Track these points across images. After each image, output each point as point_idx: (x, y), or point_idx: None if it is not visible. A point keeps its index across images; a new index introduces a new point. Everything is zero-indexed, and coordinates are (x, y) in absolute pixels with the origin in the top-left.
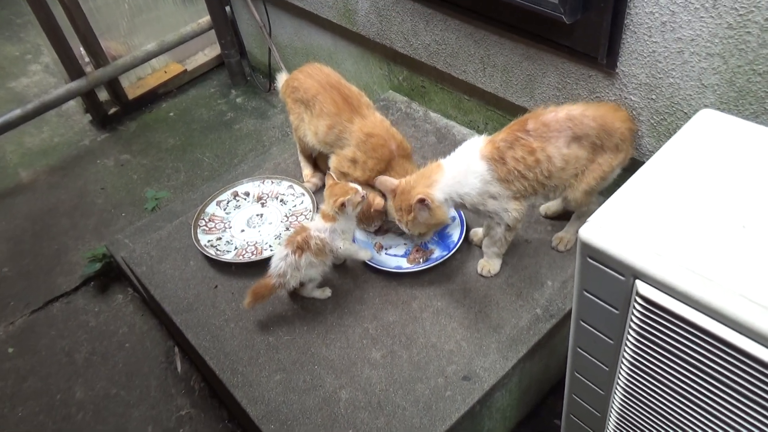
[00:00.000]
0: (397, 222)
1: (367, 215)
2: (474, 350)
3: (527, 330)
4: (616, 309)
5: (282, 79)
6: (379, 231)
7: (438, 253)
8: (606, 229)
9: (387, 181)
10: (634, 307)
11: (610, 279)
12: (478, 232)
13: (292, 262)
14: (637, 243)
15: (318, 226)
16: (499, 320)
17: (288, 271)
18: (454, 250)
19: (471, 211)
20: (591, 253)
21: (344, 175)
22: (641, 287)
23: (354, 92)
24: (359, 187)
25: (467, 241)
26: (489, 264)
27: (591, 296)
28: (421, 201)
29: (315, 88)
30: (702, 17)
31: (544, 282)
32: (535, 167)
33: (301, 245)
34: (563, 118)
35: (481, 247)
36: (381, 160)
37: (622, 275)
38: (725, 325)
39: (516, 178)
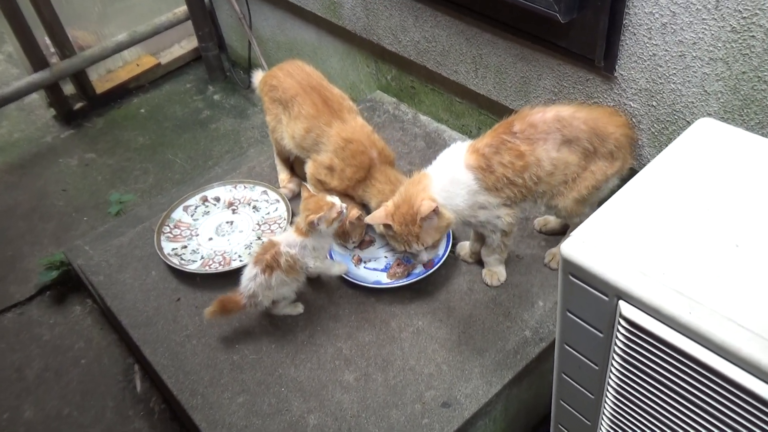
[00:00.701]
0: (405, 246)
1: (343, 229)
2: (455, 374)
3: (514, 354)
4: (600, 332)
5: (258, 76)
6: (362, 244)
7: (421, 268)
8: (589, 244)
9: (375, 215)
10: (618, 330)
11: (593, 299)
12: (465, 245)
13: (262, 283)
14: (621, 260)
15: (289, 241)
16: (483, 342)
17: (258, 292)
18: (438, 264)
19: (462, 224)
20: (573, 270)
21: (320, 183)
22: (624, 308)
23: (336, 95)
24: (337, 201)
25: (453, 254)
26: (494, 272)
27: (574, 317)
28: (433, 210)
29: (294, 88)
30: (704, 19)
31: (535, 302)
32: (524, 172)
33: (270, 263)
34: (551, 119)
35: (468, 262)
36: (360, 168)
37: (605, 295)
38: (713, 352)
39: (505, 186)
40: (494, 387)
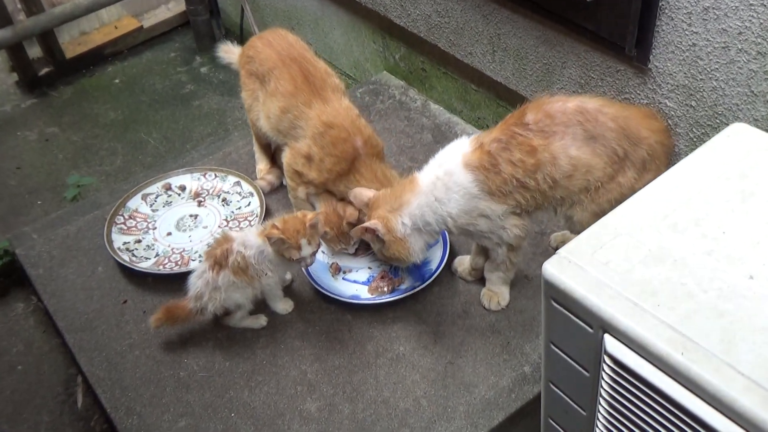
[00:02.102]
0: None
1: (340, 232)
2: (436, 412)
3: (509, 392)
4: (586, 370)
5: (227, 49)
6: (358, 251)
7: (409, 284)
8: (576, 264)
9: (361, 193)
10: (603, 370)
11: (578, 330)
12: (464, 260)
13: (209, 281)
14: (610, 285)
15: (247, 240)
16: (474, 376)
17: (205, 292)
18: (430, 280)
19: (460, 234)
20: (555, 294)
21: (298, 175)
22: (610, 343)
23: (319, 69)
24: (320, 225)
25: (449, 269)
26: (495, 293)
27: (559, 352)
28: (370, 231)
29: (273, 59)
30: (752, 5)
31: (540, 332)
32: (536, 172)
33: (219, 260)
34: (572, 110)
35: (467, 280)
36: (342, 159)
37: (590, 326)
38: (705, 401)
39: (514, 189)
40: (480, 430)
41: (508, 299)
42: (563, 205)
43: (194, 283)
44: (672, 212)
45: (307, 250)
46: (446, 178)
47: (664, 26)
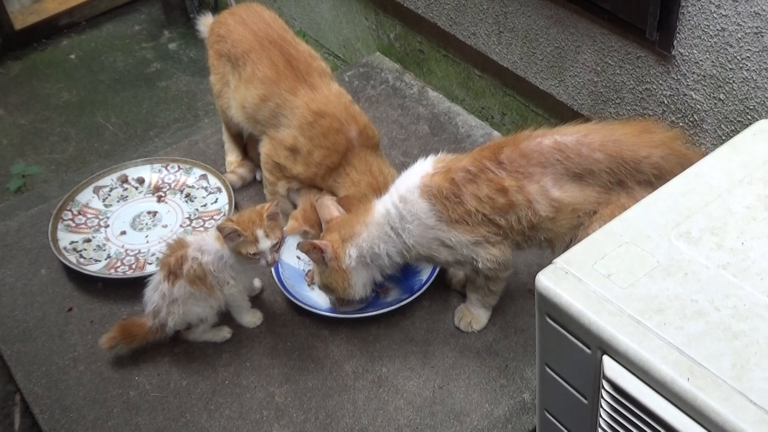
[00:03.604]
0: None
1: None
2: None
3: (505, 422)
4: (584, 397)
5: (207, 22)
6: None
7: (395, 296)
8: (574, 276)
9: (327, 209)
10: (602, 396)
11: (574, 351)
12: (458, 272)
13: (165, 294)
14: (610, 300)
15: (203, 244)
16: (466, 403)
17: (162, 306)
18: (420, 292)
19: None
20: (550, 309)
21: (278, 169)
22: (609, 367)
23: (303, 52)
24: (266, 239)
25: (442, 281)
26: (470, 313)
27: (554, 375)
28: (318, 250)
29: (248, 40)
30: None
31: (536, 353)
32: (508, 213)
33: (173, 269)
34: (549, 148)
35: (461, 293)
36: (333, 152)
37: (587, 346)
38: None
39: (481, 223)
40: None
41: (483, 323)
42: (554, 244)
43: (150, 297)
44: (685, 220)
45: (264, 243)
46: (401, 205)
47: (689, 8)
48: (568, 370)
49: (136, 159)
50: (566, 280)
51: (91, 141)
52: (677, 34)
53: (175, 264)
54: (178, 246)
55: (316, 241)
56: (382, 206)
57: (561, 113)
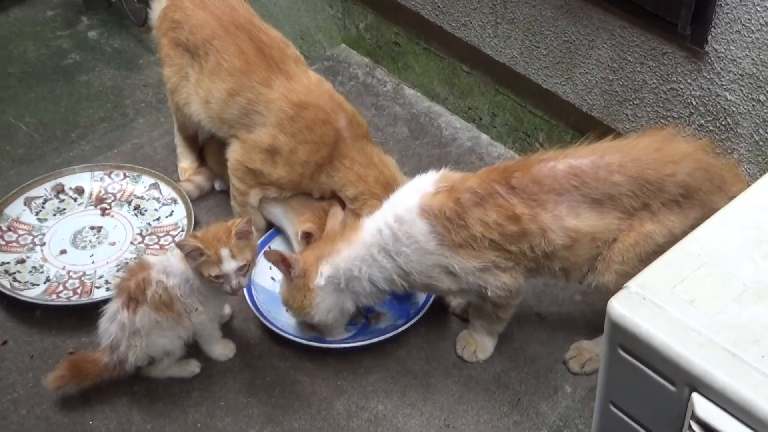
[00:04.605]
0: None
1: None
2: None
3: None
4: None
5: (158, 6)
6: None
7: (388, 322)
8: (653, 302)
9: (333, 220)
10: None
11: (653, 388)
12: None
13: (124, 324)
14: (697, 330)
15: (167, 266)
16: None
17: (121, 338)
18: (417, 318)
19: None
20: (625, 340)
21: (252, 175)
22: (700, 405)
23: (274, 39)
24: (235, 259)
25: (440, 304)
26: (474, 341)
27: (621, 415)
28: (285, 264)
29: (211, 26)
30: None
31: (560, 386)
32: (521, 241)
33: (134, 295)
34: (563, 173)
35: (462, 318)
36: (321, 146)
37: (672, 383)
38: None
39: (489, 248)
40: None
41: (489, 352)
42: (570, 275)
43: (106, 329)
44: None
45: (229, 265)
46: (396, 225)
47: (728, 0)
48: (642, 410)
49: (64, 166)
50: (644, 307)
51: (2, 144)
52: (712, 29)
53: (136, 289)
54: (138, 268)
55: (286, 253)
56: (374, 225)
57: (564, 114)
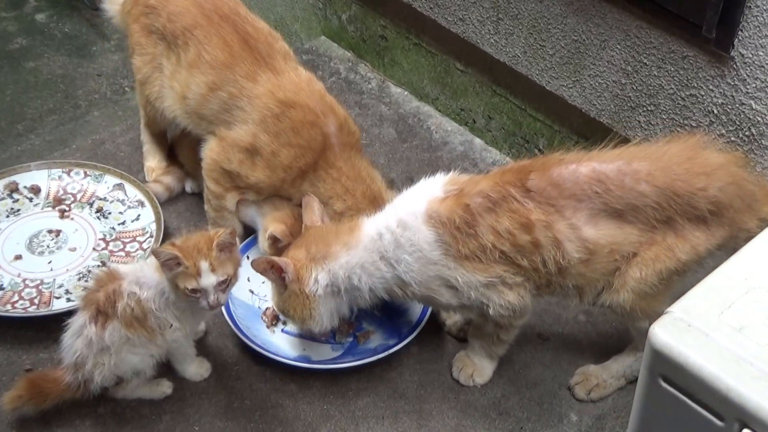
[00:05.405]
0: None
1: None
2: None
3: None
4: None
5: None
6: None
7: (379, 341)
8: (699, 330)
9: (312, 211)
10: None
11: (698, 422)
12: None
13: (92, 340)
14: (748, 360)
15: (140, 277)
16: None
17: (88, 356)
18: (410, 338)
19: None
20: (669, 371)
21: (228, 177)
22: None
23: (262, 30)
24: (235, 249)
25: (434, 321)
26: (472, 363)
27: None
28: (277, 269)
29: (191, 14)
30: None
31: (566, 414)
32: (533, 253)
33: (103, 308)
34: (586, 178)
35: (458, 338)
36: (307, 150)
37: (720, 417)
38: None
39: (497, 261)
40: None
41: (487, 377)
42: (584, 294)
43: (71, 345)
44: None
45: (208, 279)
46: (399, 231)
47: (759, 1)
48: None
49: (15, 164)
50: (690, 336)
51: None
52: (739, 32)
53: (105, 301)
54: (108, 278)
55: (275, 259)
56: (373, 228)
57: (568, 119)
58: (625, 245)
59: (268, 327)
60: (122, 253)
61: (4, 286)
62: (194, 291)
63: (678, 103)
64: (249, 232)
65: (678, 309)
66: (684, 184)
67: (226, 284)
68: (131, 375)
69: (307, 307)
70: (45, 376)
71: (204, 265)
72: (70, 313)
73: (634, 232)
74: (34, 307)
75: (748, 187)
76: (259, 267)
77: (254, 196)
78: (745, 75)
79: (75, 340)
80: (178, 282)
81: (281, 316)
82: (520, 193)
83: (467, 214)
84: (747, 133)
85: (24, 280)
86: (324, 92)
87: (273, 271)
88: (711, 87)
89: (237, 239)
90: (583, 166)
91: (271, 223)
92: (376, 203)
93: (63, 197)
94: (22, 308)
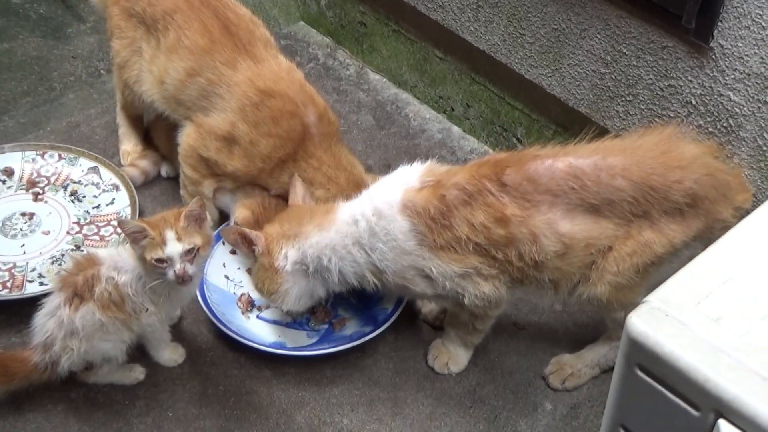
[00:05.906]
0: None
1: None
2: None
3: None
4: None
5: None
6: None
7: (354, 329)
8: (676, 319)
9: (295, 192)
10: None
11: (675, 413)
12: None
13: (63, 321)
14: (725, 351)
15: (119, 261)
16: None
17: (57, 338)
18: (386, 326)
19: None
20: (645, 360)
21: (204, 165)
22: None
23: (243, 17)
24: (208, 226)
25: (410, 309)
26: (447, 351)
27: None
28: (247, 241)
29: None
30: None
31: (540, 403)
32: (508, 246)
33: (80, 291)
34: (562, 173)
35: (434, 326)
36: (286, 141)
37: (695, 408)
38: None
39: (472, 252)
40: None
41: (462, 365)
42: (559, 287)
43: (42, 324)
44: None
45: (173, 248)
46: (374, 219)
47: None
48: None
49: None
50: (668, 325)
51: None
52: (719, 23)
53: (83, 285)
54: (87, 263)
55: (246, 230)
56: (348, 213)
57: (547, 108)
58: (602, 239)
59: (243, 313)
60: (96, 237)
61: None
62: (160, 261)
63: (657, 94)
64: (226, 218)
65: (655, 298)
66: (659, 177)
67: (194, 254)
68: (102, 361)
69: (275, 281)
70: (12, 357)
71: (170, 234)
72: (43, 297)
73: (610, 226)
74: (7, 290)
75: (723, 177)
76: (230, 237)
77: (231, 184)
78: (723, 66)
79: (48, 320)
80: (145, 255)
81: (256, 301)
82: (495, 188)
83: (443, 205)
84: (725, 124)
85: None
86: (304, 81)
87: (243, 243)
88: (690, 78)
89: (207, 212)
90: (560, 162)
91: (237, 209)
92: (359, 189)
93: (37, 180)
94: None
